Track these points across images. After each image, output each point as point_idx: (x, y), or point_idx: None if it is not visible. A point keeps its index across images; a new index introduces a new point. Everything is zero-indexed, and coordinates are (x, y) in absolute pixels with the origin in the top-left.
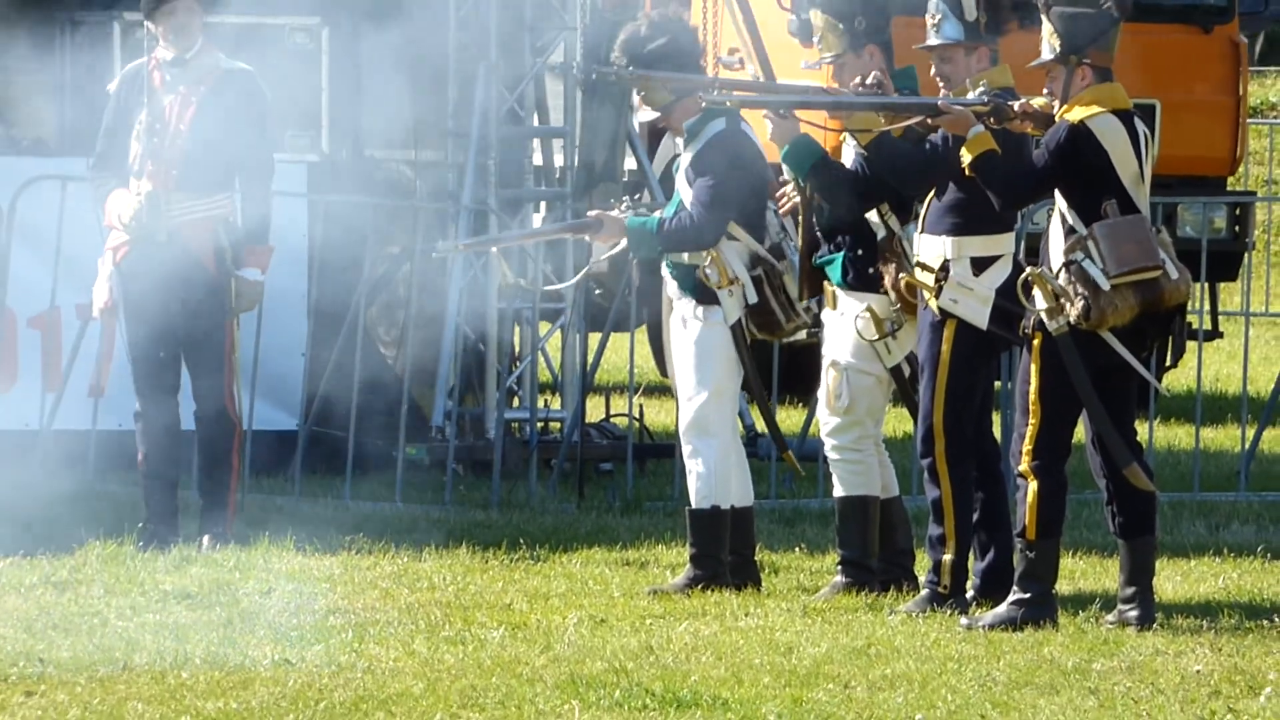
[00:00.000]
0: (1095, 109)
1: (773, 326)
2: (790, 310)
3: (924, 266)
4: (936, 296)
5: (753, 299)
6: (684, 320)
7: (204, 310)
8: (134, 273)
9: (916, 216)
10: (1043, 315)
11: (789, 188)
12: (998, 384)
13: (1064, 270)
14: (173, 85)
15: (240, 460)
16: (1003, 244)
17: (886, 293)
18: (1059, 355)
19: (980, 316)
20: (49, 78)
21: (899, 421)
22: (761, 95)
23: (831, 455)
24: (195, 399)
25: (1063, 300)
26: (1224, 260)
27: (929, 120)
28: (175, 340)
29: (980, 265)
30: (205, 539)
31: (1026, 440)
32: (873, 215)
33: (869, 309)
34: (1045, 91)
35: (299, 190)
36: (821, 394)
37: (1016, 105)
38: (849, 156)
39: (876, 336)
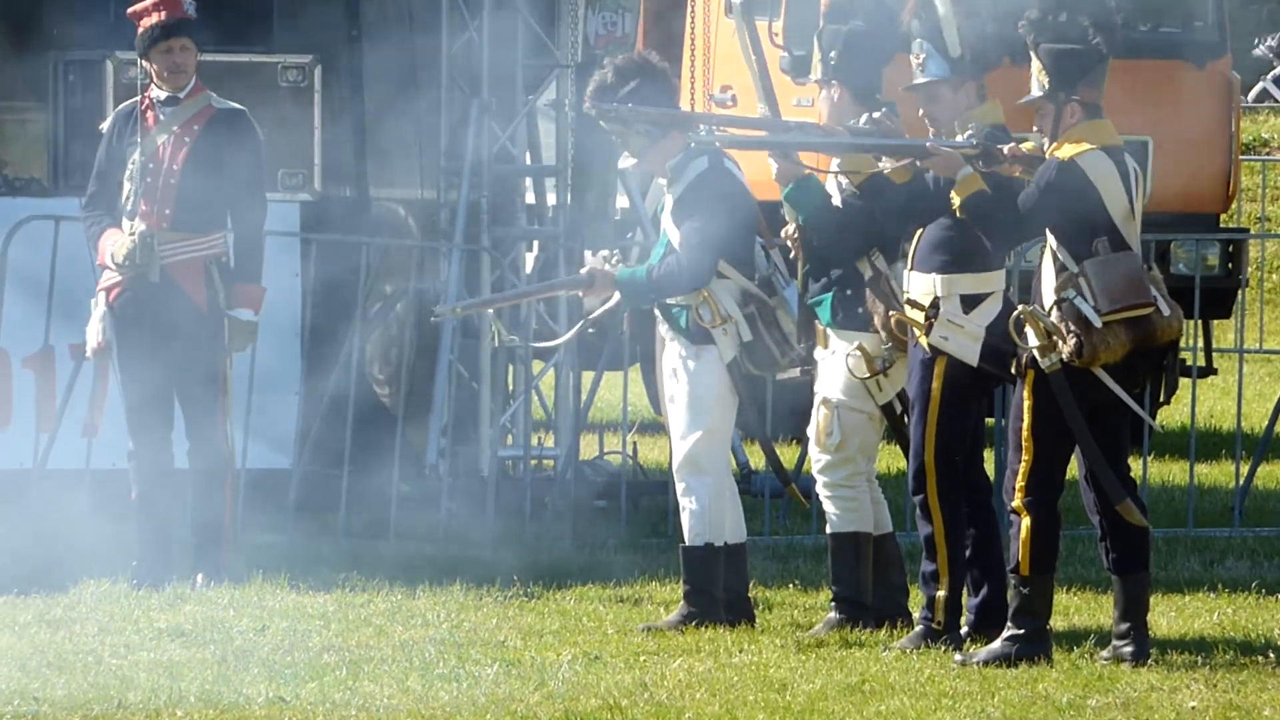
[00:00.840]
0: (1085, 146)
1: (768, 362)
2: (785, 345)
3: (914, 304)
4: (927, 334)
5: (747, 336)
6: (678, 360)
7: (197, 350)
8: (127, 313)
9: (905, 255)
10: (1035, 352)
11: (790, 228)
12: (990, 420)
13: (1056, 308)
14: (166, 125)
15: (234, 498)
16: (993, 281)
17: (877, 332)
18: (1051, 392)
19: (971, 353)
20: (41, 117)
21: (891, 458)
22: (748, 135)
23: (823, 492)
24: (189, 438)
25: (1055, 338)
26: (1217, 297)
27: (919, 162)
28: (167, 379)
29: (970, 303)
30: (199, 576)
31: (1019, 476)
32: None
33: (860, 347)
34: (1034, 128)
35: (292, 229)
36: (812, 431)
37: (1006, 149)
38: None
39: (868, 374)
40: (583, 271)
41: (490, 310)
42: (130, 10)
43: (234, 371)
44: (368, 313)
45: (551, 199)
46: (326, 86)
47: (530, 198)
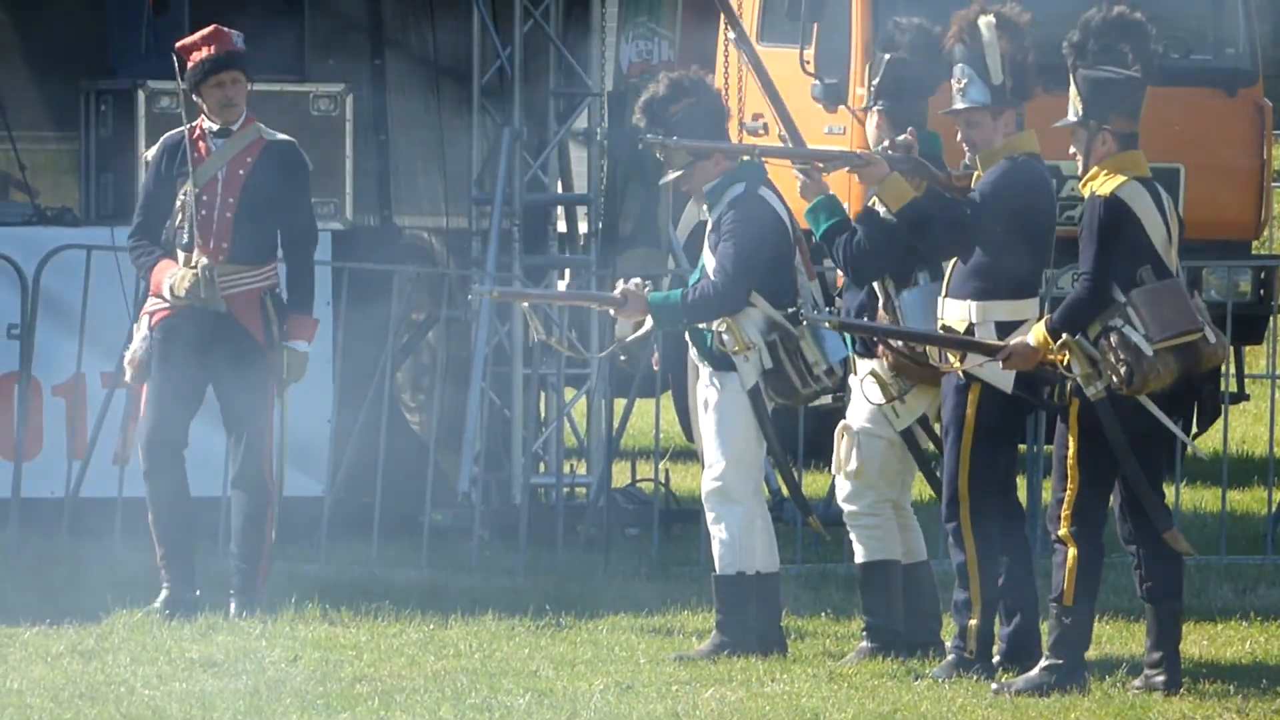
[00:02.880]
0: (1120, 178)
1: (789, 392)
2: (807, 376)
3: (948, 329)
4: (961, 360)
5: (768, 364)
6: (705, 386)
7: (251, 381)
8: (170, 335)
9: (913, 283)
10: (1079, 381)
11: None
12: (1023, 447)
13: (1103, 336)
14: (219, 156)
15: (273, 529)
16: (1028, 309)
17: (884, 360)
18: (1096, 421)
19: (1005, 380)
20: (73, 146)
21: (924, 485)
22: (711, 144)
23: (848, 521)
24: (236, 468)
25: (1101, 366)
26: (1249, 323)
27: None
28: (197, 402)
29: (1005, 330)
30: (233, 604)
31: (1065, 505)
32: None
33: (873, 372)
34: (1070, 152)
35: (324, 258)
36: (834, 459)
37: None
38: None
39: (884, 400)
40: (617, 291)
41: (525, 306)
42: (180, 44)
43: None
44: (399, 341)
45: (583, 227)
46: (358, 115)
47: (562, 226)
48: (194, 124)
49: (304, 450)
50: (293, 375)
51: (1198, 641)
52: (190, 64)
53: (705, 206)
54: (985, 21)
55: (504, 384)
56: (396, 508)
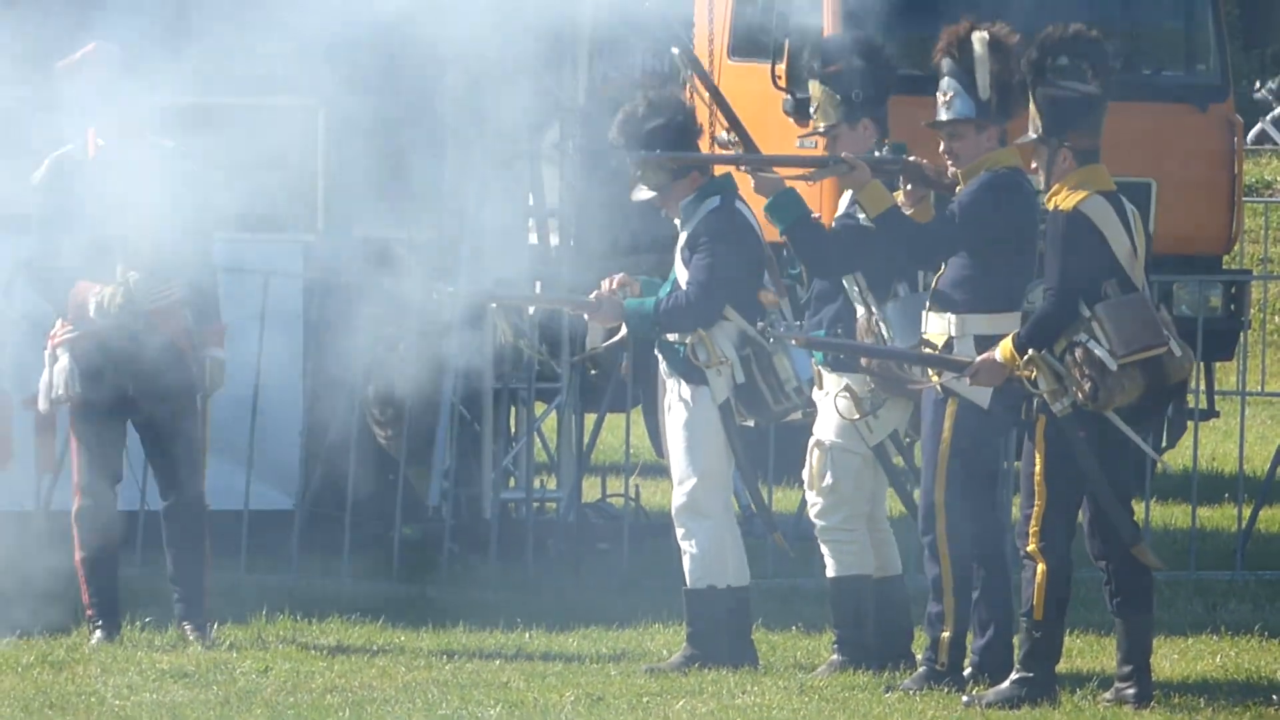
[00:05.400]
0: (1082, 193)
1: (760, 408)
2: (779, 392)
3: (928, 343)
4: (939, 375)
5: (740, 379)
6: (675, 401)
7: (177, 395)
8: (94, 364)
9: (894, 295)
10: (1045, 397)
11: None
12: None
13: (1068, 352)
14: (118, 169)
15: (210, 544)
16: (1008, 323)
17: (864, 373)
18: (1063, 437)
19: (983, 396)
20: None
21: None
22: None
23: (820, 536)
24: (168, 488)
25: (1066, 382)
26: (1220, 339)
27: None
28: (125, 429)
29: (984, 344)
30: (187, 628)
31: (1033, 521)
32: (853, 292)
33: (847, 388)
34: (1033, 167)
35: (294, 270)
36: (806, 474)
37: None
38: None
39: (857, 416)
40: (592, 296)
41: (494, 306)
42: (60, 64)
43: (229, 418)
44: (369, 354)
45: (554, 240)
46: (329, 129)
47: (533, 239)
48: (83, 141)
49: (275, 464)
50: (215, 383)
51: (1168, 655)
52: (75, 81)
53: (678, 221)
54: (979, 37)
55: (474, 398)
56: (367, 521)
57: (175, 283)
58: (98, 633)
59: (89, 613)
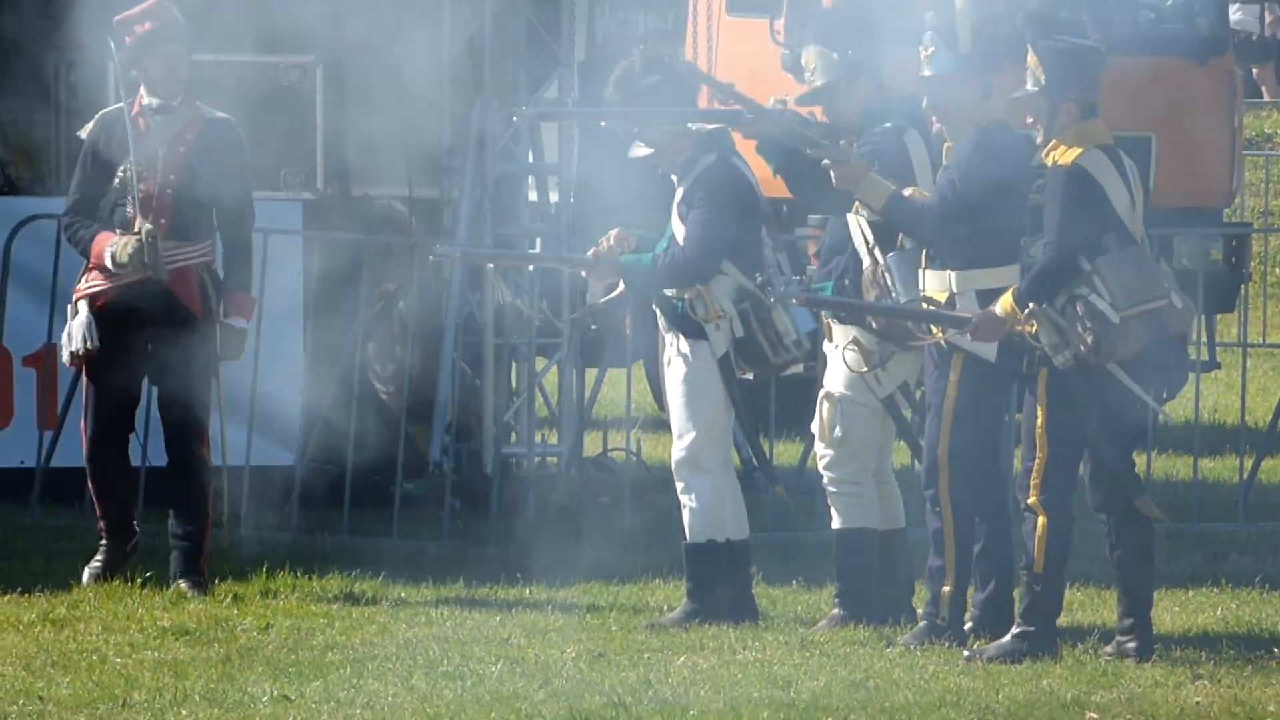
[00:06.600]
0: (1080, 148)
1: (760, 361)
2: (778, 345)
3: (930, 300)
4: (942, 331)
5: (739, 333)
6: (674, 354)
7: (190, 357)
8: (115, 318)
9: (900, 246)
10: (1047, 350)
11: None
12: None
13: (1069, 305)
14: (159, 132)
15: (213, 505)
16: (1008, 276)
17: (870, 326)
18: (1065, 390)
19: (989, 349)
20: (45, 117)
21: (902, 452)
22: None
23: (829, 488)
24: (173, 446)
25: (1068, 335)
26: (1221, 291)
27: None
28: (142, 386)
29: (986, 298)
30: (183, 584)
31: (1034, 474)
32: (861, 245)
33: (855, 340)
34: (1029, 122)
35: (294, 228)
36: (816, 427)
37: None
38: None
39: (865, 368)
40: (590, 253)
41: (492, 268)
42: (118, 19)
43: (231, 374)
44: (370, 311)
45: (554, 196)
46: (327, 85)
47: (533, 195)
48: (132, 100)
49: (275, 420)
50: (230, 353)
51: (1169, 608)
52: (128, 38)
53: (676, 177)
54: None
55: (475, 354)
56: (368, 477)
57: (194, 248)
58: (103, 547)
59: (100, 526)
